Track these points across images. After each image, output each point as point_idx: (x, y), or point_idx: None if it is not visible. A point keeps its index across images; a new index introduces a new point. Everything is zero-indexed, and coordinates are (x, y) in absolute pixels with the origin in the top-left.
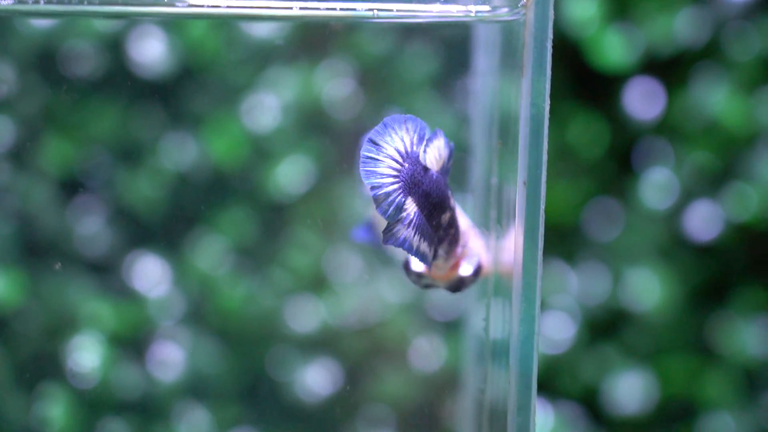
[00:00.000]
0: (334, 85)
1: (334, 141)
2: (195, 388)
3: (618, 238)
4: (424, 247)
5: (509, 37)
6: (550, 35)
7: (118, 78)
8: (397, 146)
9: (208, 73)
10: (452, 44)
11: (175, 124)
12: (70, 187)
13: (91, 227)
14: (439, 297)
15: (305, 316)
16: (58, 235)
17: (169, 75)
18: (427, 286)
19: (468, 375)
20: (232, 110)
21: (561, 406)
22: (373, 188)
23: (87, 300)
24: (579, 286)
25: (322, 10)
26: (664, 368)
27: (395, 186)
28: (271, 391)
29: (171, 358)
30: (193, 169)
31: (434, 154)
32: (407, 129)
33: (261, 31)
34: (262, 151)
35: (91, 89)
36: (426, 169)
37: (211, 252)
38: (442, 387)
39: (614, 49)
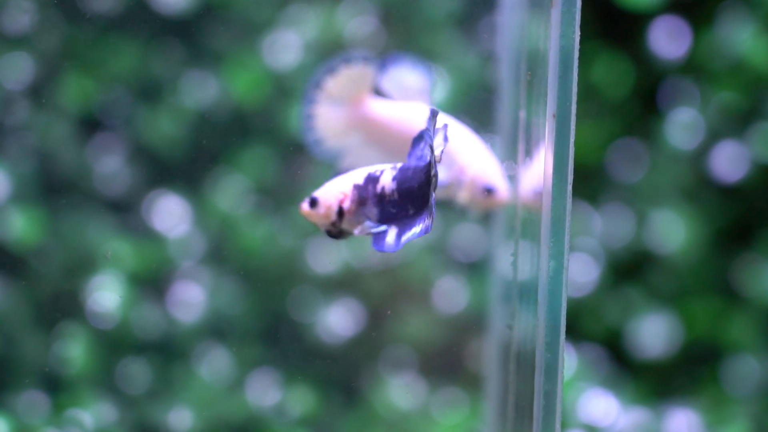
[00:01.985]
0: (356, 23)
1: None
2: (216, 329)
3: (642, 179)
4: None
5: None
6: None
7: (139, 14)
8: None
9: (229, 9)
10: None
11: (195, 61)
12: (90, 124)
13: (110, 166)
14: (462, 237)
15: (327, 256)
16: (78, 173)
17: (190, 12)
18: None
19: (494, 314)
20: (254, 48)
21: (584, 349)
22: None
23: (107, 239)
24: (603, 227)
25: None
26: (688, 311)
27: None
28: (292, 332)
29: (191, 298)
30: (214, 107)
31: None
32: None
33: None
34: (283, 90)
35: (111, 26)
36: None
37: (232, 191)
38: (466, 328)
39: None
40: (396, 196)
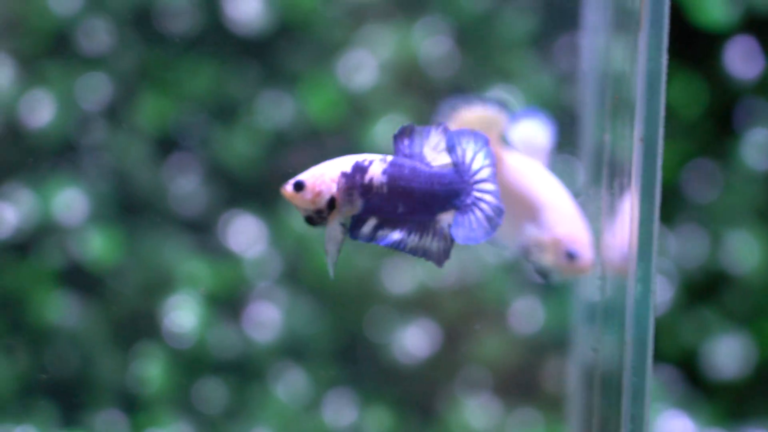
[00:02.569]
0: (431, 43)
1: (431, 99)
2: (292, 349)
3: (717, 199)
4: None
5: None
6: None
7: (215, 35)
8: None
9: (304, 30)
10: (556, 1)
11: (271, 81)
12: (166, 144)
13: (187, 186)
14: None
15: (402, 276)
16: (154, 193)
17: (266, 32)
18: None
19: (575, 336)
20: (329, 68)
21: (659, 370)
22: None
23: (183, 259)
24: (677, 248)
25: None
26: (763, 331)
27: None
28: (368, 352)
29: (267, 318)
30: (290, 127)
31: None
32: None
33: None
34: (358, 110)
35: (188, 46)
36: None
37: None
38: (542, 349)
39: (715, 7)
40: (385, 190)
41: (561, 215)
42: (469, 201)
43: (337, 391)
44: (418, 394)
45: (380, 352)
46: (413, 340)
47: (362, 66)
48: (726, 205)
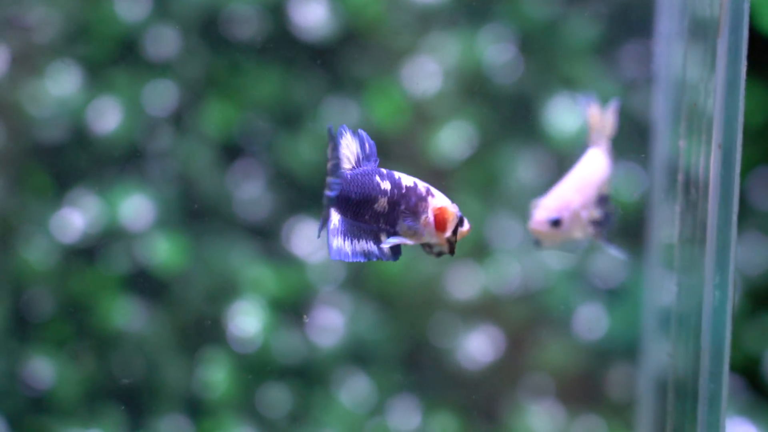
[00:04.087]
0: (496, 50)
1: (496, 107)
2: (355, 354)
3: None
4: (367, 244)
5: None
6: None
7: (280, 41)
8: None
9: (369, 37)
10: (624, 8)
11: (336, 88)
12: (231, 150)
13: (251, 191)
14: (602, 264)
15: (466, 282)
16: (219, 199)
17: (331, 39)
18: (439, 254)
19: (645, 343)
20: (394, 75)
21: None
22: None
23: (248, 265)
24: (741, 255)
25: None
26: None
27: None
28: (432, 358)
29: (331, 323)
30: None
31: (345, 153)
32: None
33: None
34: (423, 116)
35: (253, 53)
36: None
37: None
38: (606, 356)
39: None
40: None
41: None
42: None
43: (401, 397)
44: (481, 400)
45: (444, 357)
46: (477, 346)
47: (427, 73)
48: None
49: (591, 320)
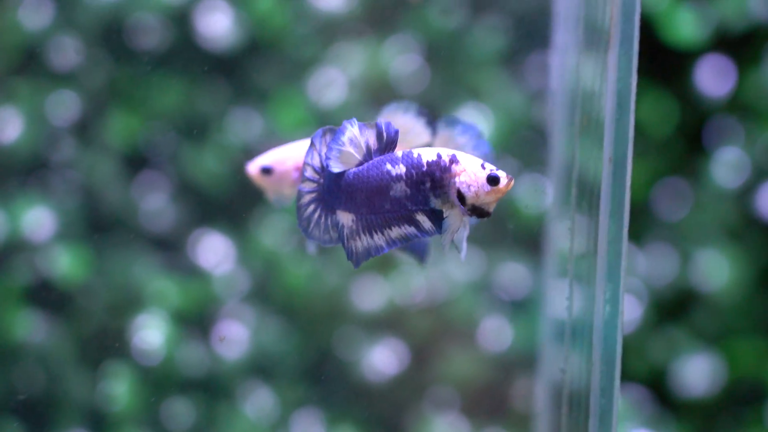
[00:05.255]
0: (402, 60)
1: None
2: (260, 367)
3: (687, 218)
4: (401, 229)
5: (592, 11)
6: (639, 9)
7: (184, 52)
8: (314, 163)
9: (274, 47)
10: (526, 19)
11: (241, 98)
12: (135, 161)
13: (156, 203)
14: (506, 277)
15: (371, 294)
16: (123, 210)
17: (236, 49)
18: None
19: (543, 355)
20: (299, 85)
21: (628, 389)
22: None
23: (152, 277)
24: (647, 266)
25: None
26: (733, 350)
27: (313, 205)
28: (336, 371)
29: (236, 336)
30: (259, 144)
31: (351, 149)
32: (324, 141)
33: (328, 5)
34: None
35: (157, 63)
36: (340, 174)
37: (276, 229)
38: (511, 368)
39: (686, 25)
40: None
41: None
42: None
43: (306, 410)
44: (386, 412)
45: (349, 370)
46: (382, 358)
47: (332, 83)
48: (696, 223)
49: (495, 332)
